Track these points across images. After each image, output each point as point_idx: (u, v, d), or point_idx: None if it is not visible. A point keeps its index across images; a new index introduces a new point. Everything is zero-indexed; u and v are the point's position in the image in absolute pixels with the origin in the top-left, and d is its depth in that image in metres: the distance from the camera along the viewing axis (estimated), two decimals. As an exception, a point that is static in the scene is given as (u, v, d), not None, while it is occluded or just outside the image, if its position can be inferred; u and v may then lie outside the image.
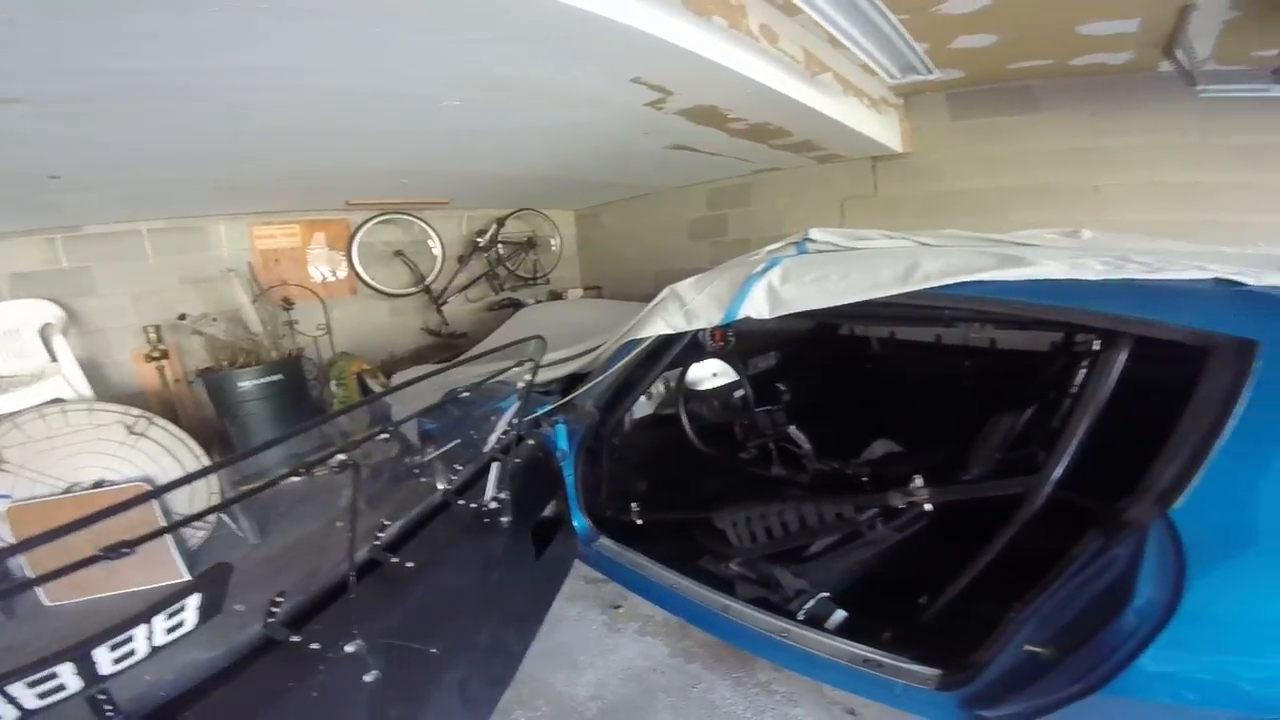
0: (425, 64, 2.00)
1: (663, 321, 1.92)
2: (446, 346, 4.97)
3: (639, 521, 2.20)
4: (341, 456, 1.20)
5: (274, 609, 1.11)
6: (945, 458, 1.83)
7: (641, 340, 2.02)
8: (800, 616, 1.71)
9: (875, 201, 3.99)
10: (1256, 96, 2.52)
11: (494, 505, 1.61)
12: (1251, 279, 1.32)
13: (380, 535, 1.34)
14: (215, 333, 3.99)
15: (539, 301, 5.15)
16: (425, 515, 1.54)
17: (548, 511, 2.11)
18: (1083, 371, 1.79)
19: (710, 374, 2.69)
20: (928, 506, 1.55)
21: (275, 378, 3.82)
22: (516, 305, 5.06)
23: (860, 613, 1.71)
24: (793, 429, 2.44)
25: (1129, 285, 1.39)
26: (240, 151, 2.86)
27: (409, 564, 1.35)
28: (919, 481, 1.55)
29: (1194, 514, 1.11)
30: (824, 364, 3.31)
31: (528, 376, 1.68)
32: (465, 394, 1.44)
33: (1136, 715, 1.18)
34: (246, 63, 1.83)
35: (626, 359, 2.06)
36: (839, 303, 1.59)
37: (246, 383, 3.75)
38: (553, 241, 5.75)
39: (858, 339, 3.43)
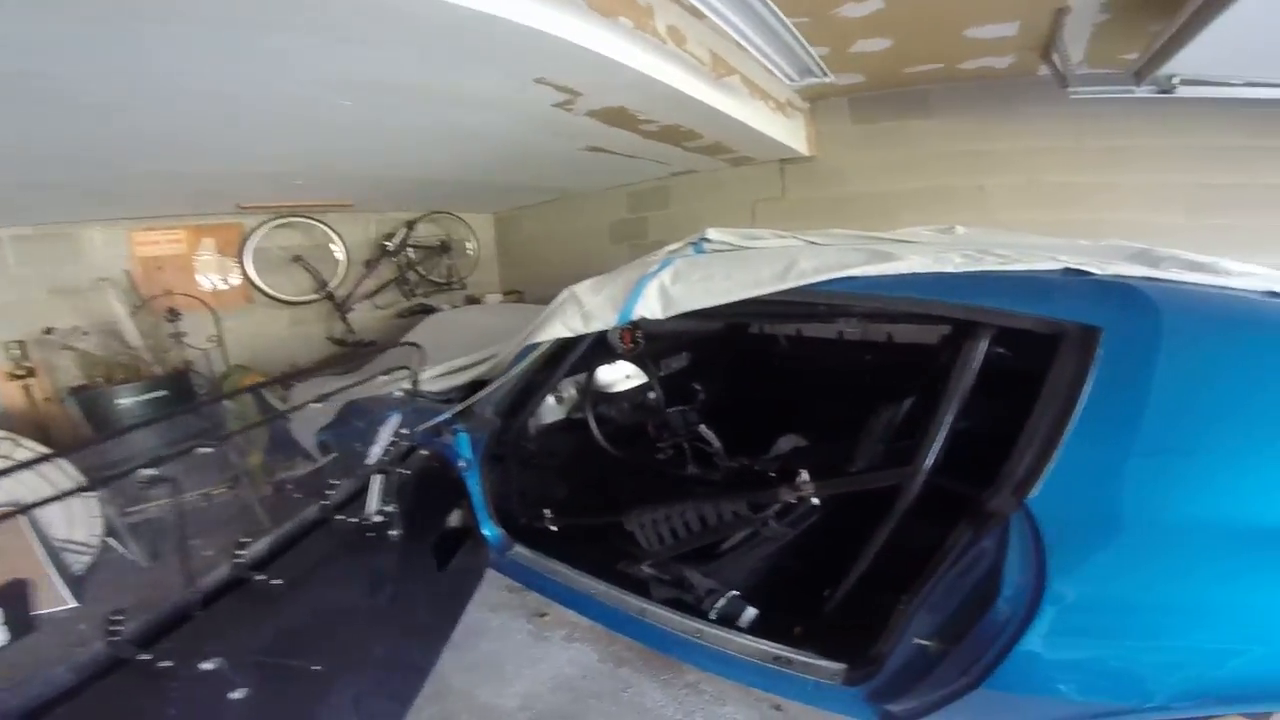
0: (302, 66, 1.89)
1: (561, 324, 1.87)
2: (354, 357, 4.71)
3: (554, 528, 2.13)
4: (150, 471, 1.11)
5: (114, 626, 1.07)
6: (842, 451, 1.87)
7: (541, 344, 1.96)
8: (713, 616, 1.70)
9: (784, 204, 4.09)
10: (1121, 97, 2.71)
11: (378, 519, 1.52)
12: (1097, 269, 1.40)
13: (241, 553, 1.26)
14: (88, 347, 3.68)
15: (455, 307, 4.97)
16: (298, 532, 1.45)
17: (454, 522, 2.01)
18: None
19: (623, 376, 2.65)
20: (815, 500, 1.57)
21: (158, 394, 3.55)
22: (429, 311, 4.86)
23: (771, 608, 1.71)
24: (703, 428, 2.44)
25: (987, 277, 1.45)
26: (112, 155, 2.63)
27: (276, 581, 1.28)
28: (805, 476, 1.57)
29: (1050, 503, 1.14)
30: (734, 362, 3.36)
31: (406, 386, 1.58)
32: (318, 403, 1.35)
33: (1021, 711, 1.20)
34: (112, 64, 1.71)
35: (525, 363, 2.00)
36: (724, 301, 1.62)
37: (126, 400, 3.46)
38: (468, 245, 5.58)
39: (766, 337, 3.49)
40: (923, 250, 1.61)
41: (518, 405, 2.08)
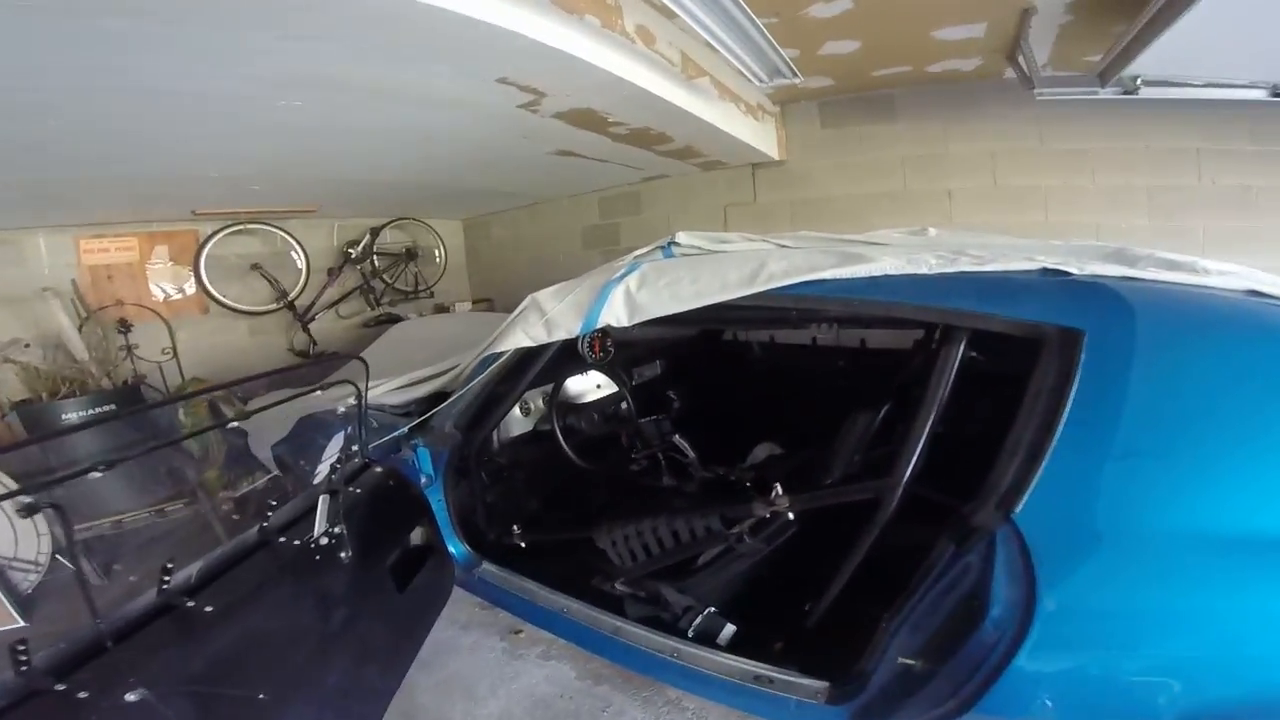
0: (247, 63, 1.80)
1: (523, 333, 1.80)
2: (310, 368, 4.55)
3: (522, 544, 2.05)
4: (27, 500, 1.02)
5: (20, 654, 0.98)
6: (818, 459, 1.83)
7: (502, 354, 1.89)
8: (690, 634, 1.63)
9: (755, 209, 4.07)
10: (1086, 99, 2.74)
11: (326, 541, 1.43)
12: (1075, 269, 1.37)
13: (168, 578, 1.17)
14: (31, 360, 3.51)
15: (421, 316, 4.84)
16: (236, 555, 1.36)
17: (416, 540, 1.93)
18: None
19: (594, 385, 2.59)
20: (791, 515, 1.52)
21: (106, 408, 3.42)
22: (394, 321, 4.73)
23: (751, 624, 1.65)
24: (677, 438, 2.38)
25: (962, 279, 1.41)
26: (49, 158, 2.49)
27: (208, 608, 1.20)
28: (779, 490, 1.51)
29: (1037, 516, 1.08)
30: (708, 370, 3.32)
31: (351, 401, 1.50)
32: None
33: None
34: (44, 62, 1.62)
35: (486, 375, 1.92)
36: (691, 306, 1.56)
37: (71, 414, 3.34)
38: (436, 252, 5.45)
39: (740, 344, 3.46)
40: (895, 252, 1.58)
41: (480, 418, 1.99)
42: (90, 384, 3.50)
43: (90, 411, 3.36)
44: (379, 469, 1.74)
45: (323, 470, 1.59)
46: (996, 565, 1.08)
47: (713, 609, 1.66)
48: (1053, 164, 3.31)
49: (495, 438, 2.24)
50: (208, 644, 1.17)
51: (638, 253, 1.91)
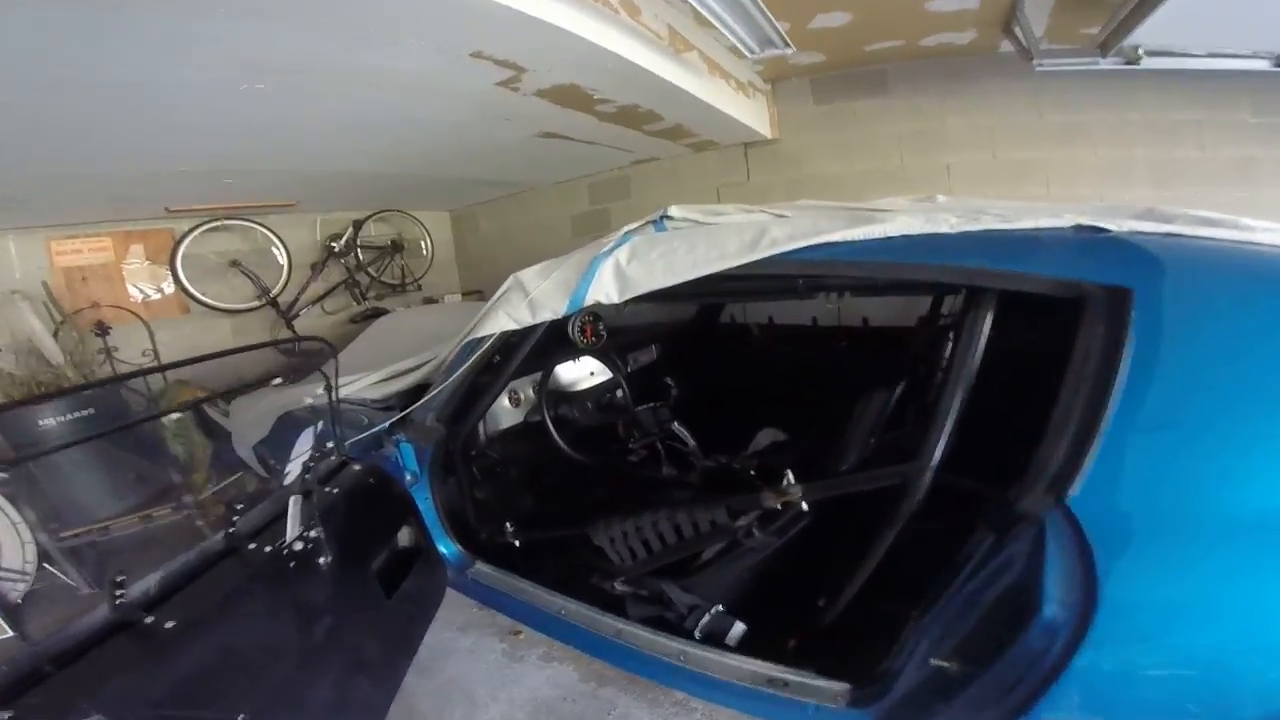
0: (202, 47, 1.69)
1: (506, 316, 1.69)
2: (304, 367, 4.44)
3: (516, 543, 1.96)
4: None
5: None
6: (825, 444, 1.73)
7: (485, 340, 1.78)
8: (697, 635, 1.54)
9: (748, 189, 3.97)
10: (1086, 69, 2.66)
11: (301, 546, 1.34)
12: (1113, 225, 1.26)
13: (121, 592, 1.07)
14: (3, 366, 3.44)
15: (409, 309, 4.73)
16: (200, 565, 1.26)
17: (404, 541, 1.84)
18: (949, 342, 1.75)
19: (587, 373, 2.49)
20: (804, 506, 1.40)
21: (84, 413, 3.25)
22: (381, 315, 4.61)
23: (762, 622, 1.56)
24: (676, 425, 2.29)
25: (988, 237, 1.30)
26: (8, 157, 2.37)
27: (169, 624, 1.10)
28: (791, 478, 1.39)
29: (1094, 498, 0.96)
30: (706, 355, 3.21)
31: (319, 393, 1.40)
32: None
33: None
34: None
35: (468, 364, 1.81)
36: (687, 278, 1.45)
37: (48, 420, 3.17)
38: (423, 244, 5.32)
39: (738, 326, 3.37)
40: (910, 213, 1.46)
41: (463, 410, 1.88)
42: (66, 388, 3.38)
43: (68, 417, 3.23)
44: (358, 467, 1.64)
45: (294, 469, 1.49)
46: (1048, 555, 0.96)
47: (720, 607, 1.56)
48: (1053, 137, 3.24)
49: (482, 430, 2.13)
50: (172, 663, 1.07)
51: (628, 227, 1.80)
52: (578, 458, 2.18)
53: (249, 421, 2.50)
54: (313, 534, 1.32)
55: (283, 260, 4.41)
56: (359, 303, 4.89)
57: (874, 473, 1.47)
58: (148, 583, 1.13)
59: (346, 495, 1.52)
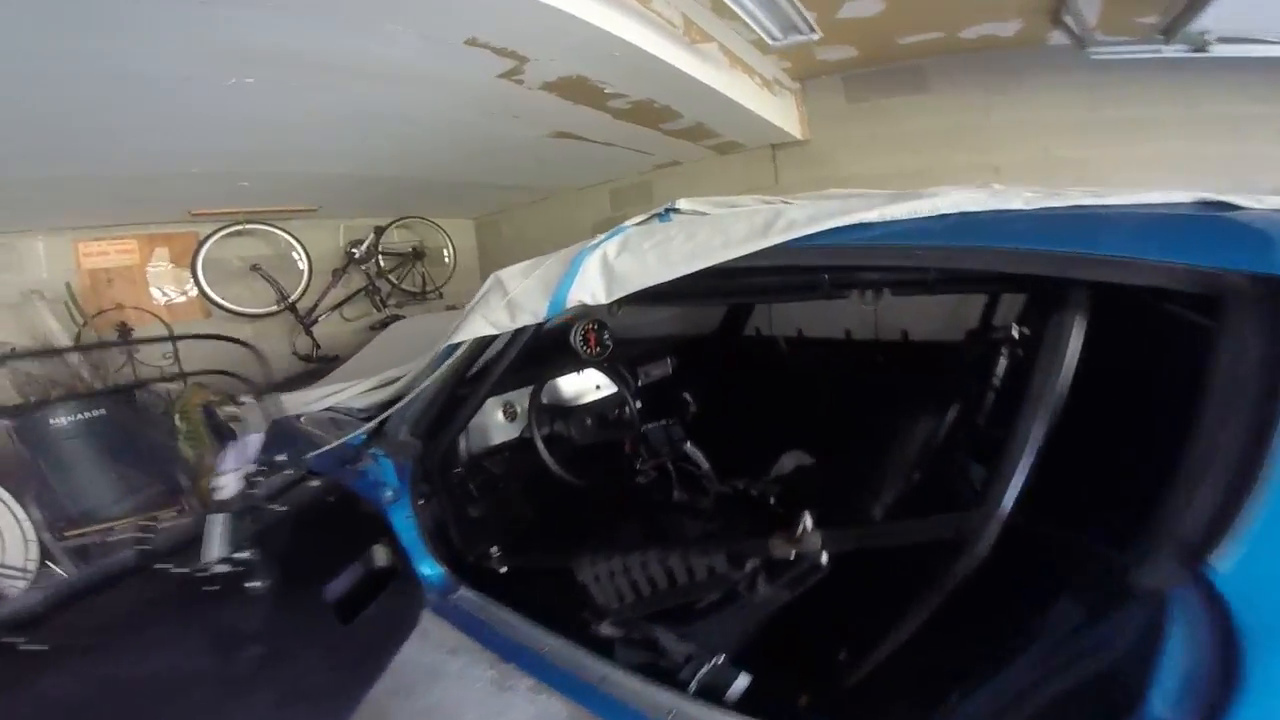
0: (180, 39, 1.62)
1: (483, 319, 1.50)
2: (320, 374, 4.39)
3: (503, 569, 1.79)
4: None
5: None
6: (856, 471, 1.51)
7: (462, 346, 1.60)
8: (693, 689, 1.33)
9: (776, 192, 3.67)
10: (1148, 57, 2.41)
11: (225, 569, 1.20)
12: (1252, 202, 0.99)
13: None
14: (21, 363, 3.43)
15: (425, 315, 4.66)
16: (93, 585, 1.13)
17: (381, 562, 1.69)
18: (1003, 359, 1.51)
19: (593, 386, 2.32)
20: (824, 558, 1.14)
21: (95, 413, 3.28)
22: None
23: (768, 671, 1.34)
24: (689, 446, 2.09)
25: (1080, 216, 1.02)
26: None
27: (37, 647, 1.01)
28: (809, 523, 1.13)
29: (1252, 571, 0.68)
30: (728, 370, 2.99)
31: (244, 400, 1.26)
32: None
33: None
34: None
35: (437, 374, 1.63)
36: (684, 271, 1.20)
37: (60, 419, 3.20)
38: (445, 252, 5.26)
39: (764, 339, 3.14)
40: (967, 191, 1.20)
41: (441, 423, 1.70)
42: (80, 388, 3.40)
43: (79, 416, 3.24)
44: (315, 483, 1.50)
45: (228, 484, 1.35)
46: (1168, 640, 0.70)
47: (720, 659, 1.35)
48: (1110, 133, 2.95)
49: (464, 445, 1.96)
50: (44, 692, 0.93)
51: (630, 221, 1.61)
52: (570, 479, 1.99)
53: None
54: (243, 555, 1.18)
55: (303, 265, 4.39)
56: (379, 310, 4.84)
57: (919, 523, 1.19)
58: (24, 602, 1.01)
59: (299, 513, 1.38)
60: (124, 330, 3.93)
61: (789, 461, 2.32)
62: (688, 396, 2.52)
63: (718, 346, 3.08)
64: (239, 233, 4.18)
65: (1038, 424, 0.96)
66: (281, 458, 1.46)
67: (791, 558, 1.16)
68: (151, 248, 4.18)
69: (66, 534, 2.96)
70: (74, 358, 3.50)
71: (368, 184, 3.87)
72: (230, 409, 3.39)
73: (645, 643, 1.41)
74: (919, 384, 1.86)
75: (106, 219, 3.89)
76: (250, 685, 1.20)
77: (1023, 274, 0.98)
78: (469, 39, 1.86)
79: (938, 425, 1.44)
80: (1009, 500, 0.96)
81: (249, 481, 1.33)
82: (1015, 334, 1.51)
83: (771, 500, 1.98)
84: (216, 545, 1.17)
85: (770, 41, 2.45)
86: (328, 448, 1.56)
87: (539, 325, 1.46)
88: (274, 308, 4.33)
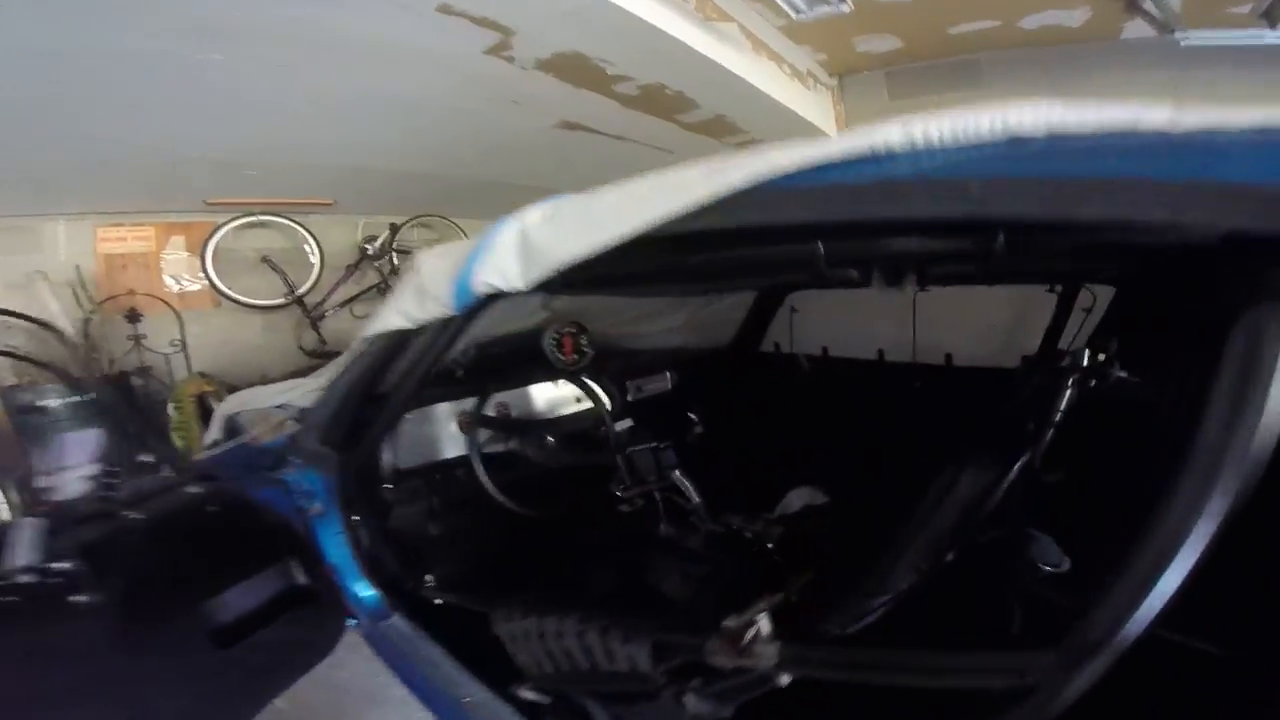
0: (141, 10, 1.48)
1: (394, 311, 1.25)
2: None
3: (436, 601, 1.53)
4: None
5: None
6: (872, 521, 1.19)
7: (377, 341, 1.36)
8: None
9: (810, 197, 3.47)
10: (1245, 44, 2.06)
11: (30, 579, 0.99)
12: None
13: None
14: (20, 344, 3.32)
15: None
16: None
17: (299, 580, 1.45)
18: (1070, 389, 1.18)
19: (572, 399, 2.05)
20: (784, 680, 0.82)
21: (85, 397, 3.19)
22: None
23: None
24: (677, 474, 1.79)
25: (1212, 134, 0.53)
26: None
27: None
28: (764, 626, 0.82)
29: None
30: (739, 389, 2.68)
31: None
32: None
33: None
34: None
35: (344, 376, 1.41)
36: (613, 235, 0.84)
37: (50, 401, 3.13)
38: (463, 252, 5.12)
39: (784, 356, 2.82)
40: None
41: (357, 432, 1.45)
42: (73, 372, 3.29)
43: (69, 400, 3.16)
44: (195, 489, 1.28)
45: (65, 483, 1.16)
46: None
47: None
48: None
49: (389, 457, 1.70)
50: None
51: None
52: (512, 506, 1.72)
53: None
54: (61, 565, 0.97)
55: (314, 259, 4.29)
56: (390, 308, 4.71)
57: (960, 659, 0.80)
58: None
59: (163, 522, 1.17)
60: (133, 316, 3.88)
61: (797, 499, 1.99)
62: (693, 416, 2.23)
63: (730, 362, 2.77)
64: (252, 224, 4.11)
65: (1216, 499, 0.56)
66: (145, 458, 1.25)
67: (729, 668, 0.85)
68: (168, 235, 4.16)
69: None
70: (72, 339, 3.42)
71: (383, 178, 3.77)
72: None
73: (576, 714, 1.13)
74: (964, 419, 1.50)
75: (126, 205, 3.87)
76: (52, 712, 0.98)
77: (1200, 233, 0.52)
78: (440, 5, 1.66)
79: (992, 483, 1.10)
80: (1135, 627, 0.59)
81: (99, 483, 1.13)
82: (1085, 360, 1.18)
83: (770, 545, 1.68)
84: (22, 552, 0.96)
85: (794, 15, 2.18)
86: (218, 451, 1.35)
87: (463, 319, 1.18)
88: (279, 300, 4.24)
